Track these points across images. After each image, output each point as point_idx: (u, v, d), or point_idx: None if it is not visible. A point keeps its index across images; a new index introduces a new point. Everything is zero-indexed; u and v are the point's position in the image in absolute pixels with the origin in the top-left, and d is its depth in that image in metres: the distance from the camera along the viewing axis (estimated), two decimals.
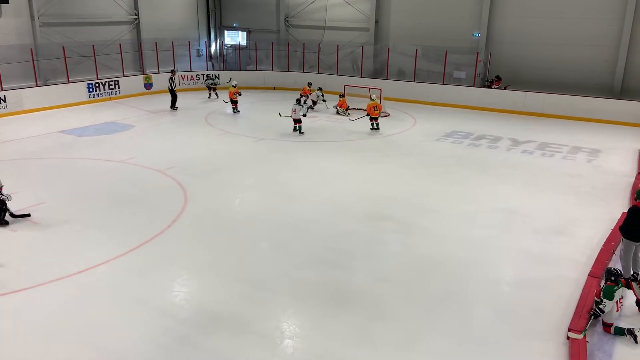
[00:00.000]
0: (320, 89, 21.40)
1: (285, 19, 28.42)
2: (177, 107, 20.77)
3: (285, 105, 22.20)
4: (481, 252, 9.00)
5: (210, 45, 30.17)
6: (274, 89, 26.36)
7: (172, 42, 25.18)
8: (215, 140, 16.29)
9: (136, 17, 25.70)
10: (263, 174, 13.06)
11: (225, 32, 30.62)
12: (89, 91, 21.63)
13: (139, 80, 23.91)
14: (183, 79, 25.17)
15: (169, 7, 27.67)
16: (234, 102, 20.17)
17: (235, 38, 30.14)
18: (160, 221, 9.98)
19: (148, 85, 24.06)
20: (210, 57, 29.96)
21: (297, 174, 13.13)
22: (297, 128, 16.88)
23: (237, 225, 10.04)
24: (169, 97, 20.75)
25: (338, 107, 20.39)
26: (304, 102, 19.15)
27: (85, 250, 8.81)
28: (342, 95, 20.63)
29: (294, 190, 11.89)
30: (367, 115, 17.52)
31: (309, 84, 21.94)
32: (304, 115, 16.82)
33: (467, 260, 8.72)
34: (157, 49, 24.64)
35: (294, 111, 16.68)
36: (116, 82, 22.67)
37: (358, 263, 8.57)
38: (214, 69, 28.55)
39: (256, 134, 16.94)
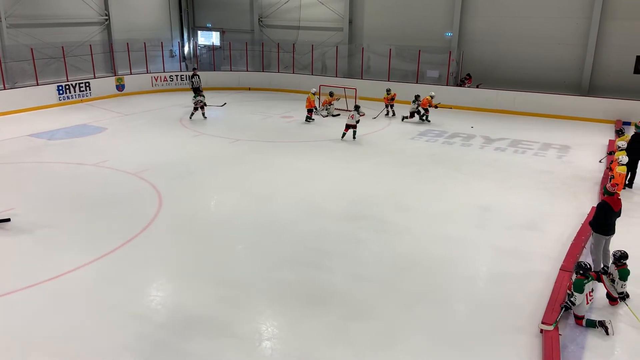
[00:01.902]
0: (356, 106, 17.90)
1: (259, 19, 28.32)
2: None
3: (260, 105, 22.18)
4: (457, 249, 9.13)
5: (183, 46, 29.86)
6: (249, 89, 26.24)
7: (145, 43, 24.85)
8: (190, 142, 16.13)
9: (107, 17, 25.28)
10: (239, 175, 12.99)
11: (199, 32, 30.35)
12: (59, 93, 21.18)
13: (111, 81, 23.51)
14: (156, 80, 24.88)
15: (141, 7, 27.29)
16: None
17: (209, 38, 29.91)
18: (134, 225, 9.84)
19: (120, 87, 23.68)
20: (183, 57, 29.65)
21: (273, 174, 13.09)
22: (353, 133, 16.16)
23: (213, 227, 9.97)
24: (141, 99, 20.50)
25: (324, 107, 20.11)
26: (323, 111, 19.34)
27: (57, 257, 8.62)
28: (331, 94, 20.19)
29: (271, 191, 11.86)
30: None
31: (331, 94, 20.01)
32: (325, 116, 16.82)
33: (443, 257, 8.83)
34: (129, 50, 24.30)
35: (351, 117, 16.06)
36: (87, 84, 22.24)
37: (335, 262, 8.60)
38: (187, 69, 28.28)
39: (232, 135, 16.83)
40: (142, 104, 21.77)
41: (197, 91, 20.51)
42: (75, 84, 21.77)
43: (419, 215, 10.58)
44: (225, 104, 19.51)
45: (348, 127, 16.11)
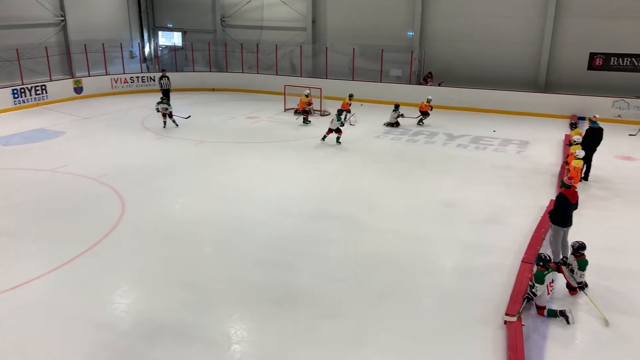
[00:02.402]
0: (339, 111, 16.99)
1: (221, 19, 28.03)
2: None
3: (225, 106, 21.97)
4: (423, 245, 9.27)
5: (144, 47, 29.27)
6: (213, 90, 25.96)
7: (103, 44, 24.25)
8: (153, 145, 15.83)
9: (62, 18, 24.53)
10: (204, 177, 12.83)
11: (160, 32, 29.81)
12: (14, 97, 20.43)
13: (69, 84, 22.83)
14: (116, 82, 24.31)
15: (98, 7, 26.58)
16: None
17: (170, 39, 29.42)
18: (96, 231, 9.59)
19: (78, 90, 23.03)
20: (144, 58, 29.07)
21: (239, 176, 12.99)
22: (336, 138, 15.89)
23: (178, 231, 9.81)
24: (101, 101, 19.99)
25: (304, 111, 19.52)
26: (345, 118, 17.07)
27: (17, 266, 8.33)
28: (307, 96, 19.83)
29: (237, 193, 11.76)
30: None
31: (350, 96, 19.37)
32: (342, 125, 15.82)
33: (410, 253, 8.95)
34: (86, 51, 23.66)
35: (332, 121, 15.80)
36: (43, 87, 21.53)
37: (304, 262, 8.60)
38: (148, 70, 27.76)
39: (196, 136, 16.60)
40: (102, 107, 21.24)
41: (166, 94, 20.18)
42: (31, 87, 21.03)
43: (386, 213, 10.69)
44: (189, 116, 18.14)
45: (330, 130, 15.79)
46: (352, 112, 18.91)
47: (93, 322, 6.92)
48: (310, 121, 18.63)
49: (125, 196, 11.34)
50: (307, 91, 19.25)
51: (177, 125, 17.66)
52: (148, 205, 10.95)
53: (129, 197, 11.32)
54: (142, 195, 11.50)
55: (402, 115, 18.47)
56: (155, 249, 9.10)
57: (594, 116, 12.98)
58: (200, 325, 6.87)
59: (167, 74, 21.54)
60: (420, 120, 18.91)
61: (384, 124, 18.64)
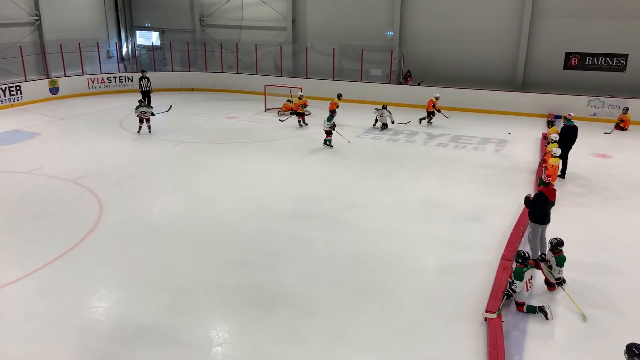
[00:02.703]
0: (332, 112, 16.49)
1: (200, 18, 27.80)
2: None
3: (205, 106, 21.79)
4: (404, 243, 9.31)
5: (121, 46, 28.88)
6: (193, 90, 25.73)
7: (79, 44, 23.84)
8: (131, 145, 15.62)
9: (37, 17, 24.07)
10: (183, 178, 12.70)
11: (137, 32, 29.44)
12: None
13: (44, 84, 22.39)
14: (93, 82, 23.93)
15: (74, 6, 26.15)
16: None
17: (148, 38, 29.08)
18: (74, 234, 9.42)
19: (54, 90, 22.61)
20: (122, 58, 28.67)
21: (218, 176, 12.89)
22: (327, 141, 15.41)
23: (157, 232, 9.69)
24: (77, 102, 19.64)
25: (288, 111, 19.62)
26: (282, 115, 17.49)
27: None
28: (289, 101, 19.96)
29: (216, 193, 11.67)
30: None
31: (339, 96, 18.59)
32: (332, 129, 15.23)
33: (391, 252, 8.98)
34: (62, 51, 23.24)
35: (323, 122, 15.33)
36: (18, 88, 21.07)
37: (284, 262, 8.57)
38: (126, 70, 27.40)
39: (175, 137, 16.43)
40: (78, 107, 20.89)
41: (147, 95, 19.74)
42: (5, 87, 20.56)
43: (366, 212, 10.71)
44: (170, 107, 17.76)
45: (327, 132, 15.40)
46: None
47: (71, 327, 6.79)
48: (307, 123, 17.96)
49: (103, 198, 11.17)
50: (300, 92, 18.49)
51: (150, 131, 16.63)
52: (126, 207, 10.79)
53: (107, 198, 11.14)
54: (120, 197, 11.33)
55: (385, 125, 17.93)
56: (134, 251, 8.96)
57: (569, 114, 13.18)
58: (181, 328, 6.79)
59: (147, 74, 20.91)
60: (429, 121, 18.67)
61: (374, 126, 18.10)
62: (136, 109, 16.49)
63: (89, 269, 8.31)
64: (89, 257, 8.72)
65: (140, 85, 20.55)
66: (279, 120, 19.08)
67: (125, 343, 6.47)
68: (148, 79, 20.55)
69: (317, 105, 21.42)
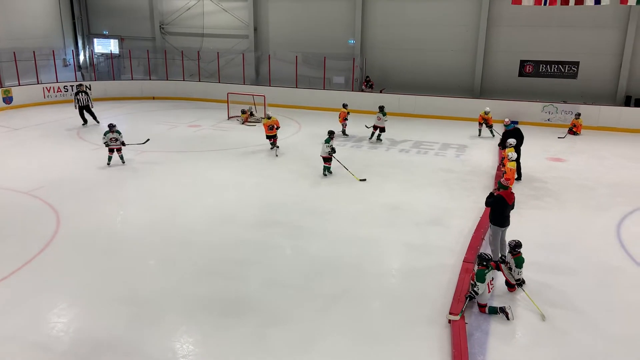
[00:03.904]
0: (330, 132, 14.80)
1: (160, 26, 27.45)
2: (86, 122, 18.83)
3: (166, 115, 21.46)
4: (369, 248, 9.39)
5: (78, 54, 28.16)
6: (154, 98, 25.31)
7: (34, 52, 23.12)
8: (89, 156, 15.19)
9: None
10: (144, 188, 12.45)
11: (95, 40, 28.79)
12: None
13: None
14: (49, 91, 23.23)
15: (28, 14, 25.37)
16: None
17: (107, 46, 28.47)
18: (29, 247, 9.08)
19: (7, 100, 21.82)
20: (79, 66, 27.97)
21: (181, 185, 12.69)
22: (326, 168, 13.63)
23: (119, 244, 9.45)
24: (32, 111, 19.00)
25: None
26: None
27: None
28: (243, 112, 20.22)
29: (179, 203, 11.49)
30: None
31: (345, 106, 18.21)
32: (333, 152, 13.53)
33: (357, 257, 9.04)
34: (15, 60, 22.45)
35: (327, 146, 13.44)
36: None
37: (250, 271, 8.50)
38: (84, 79, 26.74)
39: (135, 146, 16.08)
40: (33, 117, 20.21)
41: (87, 111, 18.57)
42: None
43: (331, 218, 10.75)
44: (148, 140, 15.03)
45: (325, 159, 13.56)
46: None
47: (28, 343, 6.53)
48: (278, 146, 15.73)
49: (61, 210, 10.82)
50: (269, 113, 16.28)
51: (124, 162, 14.14)
52: (85, 219, 10.49)
53: (65, 210, 10.80)
54: (79, 209, 11.01)
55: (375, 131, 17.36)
56: (94, 263, 8.71)
57: (505, 120, 13.91)
58: (144, 341, 6.63)
59: (86, 88, 19.10)
60: (490, 131, 18.15)
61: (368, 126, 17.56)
62: (105, 134, 13.90)
63: (47, 283, 8.02)
64: (46, 270, 8.42)
65: (77, 100, 18.64)
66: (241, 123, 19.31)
67: (85, 359, 6.27)
68: (86, 92, 18.97)
69: (281, 113, 21.42)
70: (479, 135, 18.53)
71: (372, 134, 17.48)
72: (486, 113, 18.24)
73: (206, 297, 7.70)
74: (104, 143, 13.89)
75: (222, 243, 9.54)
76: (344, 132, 18.35)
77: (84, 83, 20.18)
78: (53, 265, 8.61)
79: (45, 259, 8.81)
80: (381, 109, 17.28)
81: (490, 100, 21.48)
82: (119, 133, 13.97)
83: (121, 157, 14.14)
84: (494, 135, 18.06)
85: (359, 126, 18.44)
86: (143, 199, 11.77)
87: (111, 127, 13.93)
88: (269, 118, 15.57)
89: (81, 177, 13.05)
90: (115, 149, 13.96)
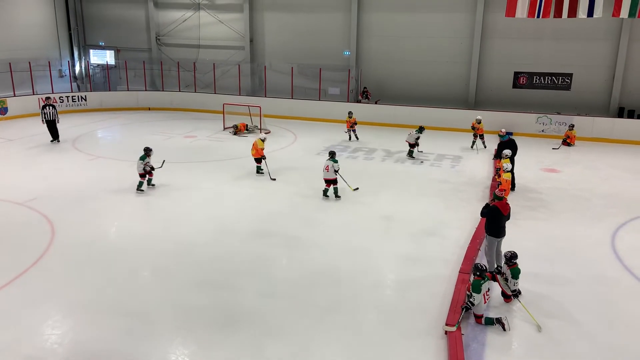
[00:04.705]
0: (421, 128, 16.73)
1: (156, 37, 27.55)
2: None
3: (162, 125, 21.47)
4: (364, 259, 9.38)
5: (74, 65, 28.19)
6: (149, 109, 25.33)
7: (29, 63, 23.14)
8: (85, 167, 15.17)
9: None
10: (140, 199, 12.42)
11: (91, 51, 28.84)
12: None
13: None
14: (44, 102, 23.12)
15: (24, 25, 25.41)
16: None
17: (103, 57, 28.51)
18: (24, 258, 9.03)
19: (2, 110, 21.80)
20: (75, 77, 27.99)
21: (176, 196, 12.67)
22: (334, 190, 12.71)
23: (113, 255, 9.40)
24: (27, 122, 18.93)
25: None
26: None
27: None
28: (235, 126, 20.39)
29: (174, 214, 11.46)
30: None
31: (350, 114, 18.75)
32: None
33: (352, 268, 9.03)
34: (11, 70, 22.46)
35: (326, 168, 12.51)
36: None
37: (245, 282, 8.47)
38: (79, 90, 26.75)
39: (131, 157, 16.01)
40: (28, 128, 20.15)
41: (52, 126, 17.83)
42: None
43: (326, 229, 10.76)
44: (164, 162, 13.89)
45: (329, 182, 12.69)
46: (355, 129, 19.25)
47: (22, 356, 6.48)
48: (262, 173, 14.47)
49: (55, 221, 10.78)
50: (264, 136, 14.74)
51: (154, 185, 13.18)
52: (80, 230, 10.45)
53: (60, 221, 10.76)
54: (74, 220, 10.97)
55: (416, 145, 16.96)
56: (90, 275, 8.66)
57: (501, 131, 13.93)
58: (140, 353, 6.59)
59: (53, 102, 18.31)
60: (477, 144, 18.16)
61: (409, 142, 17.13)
62: (141, 159, 12.68)
63: (41, 295, 7.97)
64: (41, 282, 8.37)
65: (44, 114, 17.81)
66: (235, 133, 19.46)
67: None
68: (54, 106, 18.14)
69: (276, 124, 21.52)
70: (472, 147, 18.45)
71: (410, 151, 16.90)
72: (478, 122, 18.24)
73: (201, 308, 7.66)
74: (143, 169, 12.62)
75: (217, 254, 9.51)
76: (350, 137, 19.23)
77: (52, 97, 19.07)
78: (48, 276, 8.55)
79: (40, 269, 8.76)
80: (420, 129, 16.77)
81: (484, 112, 21.59)
82: (149, 165, 12.80)
83: (149, 181, 13.07)
84: (485, 147, 18.15)
85: (365, 138, 18.47)
86: (138, 210, 11.74)
87: (148, 151, 12.86)
88: (263, 140, 14.33)
89: (76, 188, 13.01)
90: (147, 173, 12.83)
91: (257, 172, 14.50)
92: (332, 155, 12.73)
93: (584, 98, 21.71)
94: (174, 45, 27.45)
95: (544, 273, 8.90)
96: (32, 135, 18.96)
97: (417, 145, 16.97)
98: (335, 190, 12.66)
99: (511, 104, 22.29)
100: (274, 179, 14.04)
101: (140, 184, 12.77)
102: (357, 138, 19.29)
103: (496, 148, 13.49)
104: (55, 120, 17.92)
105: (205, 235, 10.31)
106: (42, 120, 17.85)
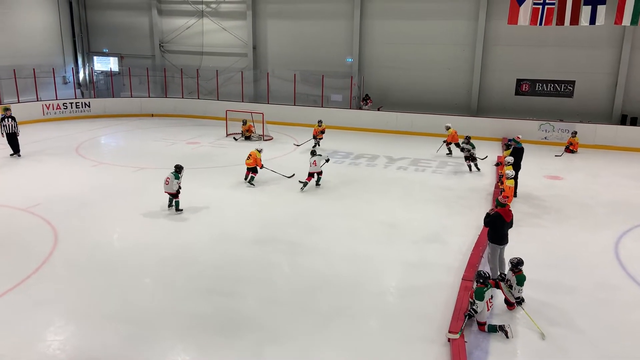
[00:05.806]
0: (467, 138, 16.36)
1: (160, 44, 27.71)
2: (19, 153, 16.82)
3: (165, 132, 21.54)
4: (366, 266, 9.36)
5: (78, 72, 28.35)
6: (152, 115, 25.43)
7: (34, 69, 23.28)
8: (88, 172, 15.21)
9: None
10: (143, 205, 12.42)
11: (95, 57, 29.02)
12: None
13: None
14: (48, 109, 23.32)
15: (29, 32, 25.61)
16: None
17: (106, 64, 28.68)
18: (26, 265, 9.03)
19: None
20: (78, 84, 28.14)
21: (179, 202, 12.66)
22: (317, 179, 14.07)
23: (116, 261, 9.41)
24: (31, 128, 19.00)
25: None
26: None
27: None
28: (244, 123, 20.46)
29: (177, 220, 11.47)
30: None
31: (319, 123, 18.80)
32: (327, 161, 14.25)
33: (354, 274, 9.01)
34: (15, 77, 22.60)
35: (314, 163, 13.66)
36: None
37: (247, 288, 8.46)
38: (83, 96, 26.88)
39: (134, 163, 16.13)
40: (32, 134, 20.23)
41: (13, 139, 16.60)
42: None
43: (329, 235, 10.74)
44: (293, 174, 14.61)
45: (311, 175, 13.84)
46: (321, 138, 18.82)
47: None
48: (253, 185, 14.07)
49: (58, 227, 10.79)
50: (260, 147, 14.55)
51: (181, 210, 11.97)
52: (83, 236, 10.46)
53: (63, 227, 10.77)
54: (77, 226, 10.98)
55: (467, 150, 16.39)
56: (92, 281, 8.66)
57: (517, 137, 13.83)
58: (141, 359, 6.57)
59: (13, 113, 16.92)
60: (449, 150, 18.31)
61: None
62: (176, 177, 11.77)
63: (44, 301, 7.96)
64: (43, 288, 8.37)
65: (3, 127, 16.52)
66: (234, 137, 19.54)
67: None
68: (14, 118, 16.77)
69: (279, 131, 21.55)
70: (448, 154, 18.27)
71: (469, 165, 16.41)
72: (447, 129, 18.07)
73: (203, 315, 7.65)
74: (178, 187, 11.77)
75: (220, 260, 9.50)
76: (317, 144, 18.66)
77: (10, 107, 17.68)
78: (49, 283, 8.55)
79: (42, 275, 8.76)
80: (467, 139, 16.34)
81: (487, 119, 21.64)
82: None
83: (177, 203, 11.94)
84: (450, 153, 18.19)
85: (366, 146, 18.48)
86: (140, 217, 11.73)
87: (180, 169, 11.99)
88: (260, 151, 14.21)
89: (79, 194, 13.04)
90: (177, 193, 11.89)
91: (250, 182, 14.14)
92: (313, 153, 14.00)
93: (587, 105, 21.71)
94: (177, 52, 27.60)
95: (548, 280, 8.86)
96: (36, 141, 19.04)
97: (473, 156, 16.12)
98: (318, 179, 14.06)
99: (514, 111, 22.29)
100: (293, 175, 14.77)
101: (177, 203, 11.83)
102: (318, 145, 18.46)
103: (511, 154, 13.17)
104: (15, 132, 16.66)
105: (207, 241, 10.31)
106: (2, 134, 16.55)
